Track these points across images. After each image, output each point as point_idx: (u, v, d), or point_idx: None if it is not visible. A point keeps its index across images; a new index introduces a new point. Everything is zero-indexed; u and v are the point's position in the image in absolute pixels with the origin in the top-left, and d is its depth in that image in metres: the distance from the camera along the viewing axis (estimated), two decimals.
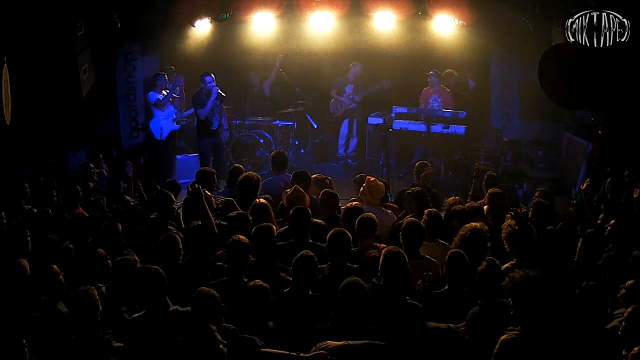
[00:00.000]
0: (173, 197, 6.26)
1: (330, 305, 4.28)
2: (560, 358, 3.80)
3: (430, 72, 11.23)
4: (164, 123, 10.08)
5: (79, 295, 4.04)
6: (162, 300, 4.27)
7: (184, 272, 4.86)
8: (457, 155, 11.21)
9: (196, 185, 5.30)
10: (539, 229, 5.78)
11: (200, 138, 9.94)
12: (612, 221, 5.26)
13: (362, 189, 6.61)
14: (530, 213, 5.95)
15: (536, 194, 7.10)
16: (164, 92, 10.19)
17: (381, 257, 4.47)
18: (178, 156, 10.92)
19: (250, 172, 7.01)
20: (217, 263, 5.12)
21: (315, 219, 5.83)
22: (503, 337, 3.62)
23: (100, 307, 4.05)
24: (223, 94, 9.93)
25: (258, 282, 4.21)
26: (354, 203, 6.19)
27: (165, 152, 10.29)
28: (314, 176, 7.17)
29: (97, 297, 4.06)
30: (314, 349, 3.85)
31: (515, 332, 3.70)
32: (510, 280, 3.89)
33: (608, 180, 7.50)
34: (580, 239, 5.23)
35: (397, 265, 4.40)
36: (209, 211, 5.20)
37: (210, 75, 9.74)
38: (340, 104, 11.98)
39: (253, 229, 5.06)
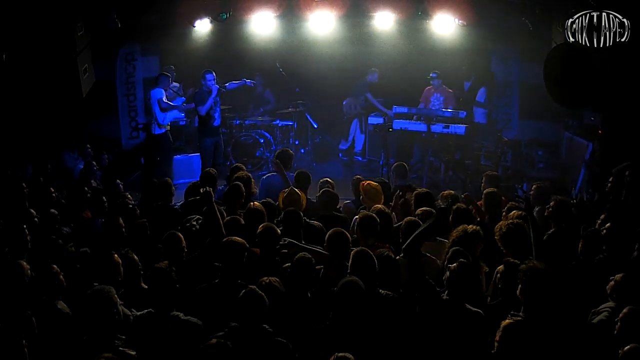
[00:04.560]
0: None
1: (328, 306, 4.27)
2: (558, 345, 3.89)
3: (432, 74, 11.18)
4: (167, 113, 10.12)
5: (95, 294, 3.91)
6: (169, 301, 4.25)
7: (187, 270, 4.87)
8: (457, 155, 11.20)
9: (207, 188, 5.40)
10: (558, 226, 5.80)
11: (202, 138, 9.91)
12: (608, 224, 5.26)
13: (361, 197, 6.60)
14: (551, 209, 5.96)
15: (533, 187, 7.07)
16: (168, 90, 10.20)
17: (350, 257, 4.53)
18: (178, 156, 10.89)
19: (241, 172, 7.05)
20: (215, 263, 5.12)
21: (311, 221, 5.87)
22: (505, 322, 3.74)
23: (119, 310, 3.94)
24: (224, 89, 9.94)
25: (271, 279, 4.21)
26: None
27: (164, 150, 10.26)
28: (321, 181, 7.17)
29: (116, 298, 3.95)
30: None
31: (518, 317, 3.85)
32: (523, 270, 4.07)
33: (610, 180, 7.49)
34: (582, 239, 5.22)
35: (366, 265, 4.44)
36: (218, 212, 5.27)
37: (212, 73, 9.73)
38: (356, 106, 12.14)
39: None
